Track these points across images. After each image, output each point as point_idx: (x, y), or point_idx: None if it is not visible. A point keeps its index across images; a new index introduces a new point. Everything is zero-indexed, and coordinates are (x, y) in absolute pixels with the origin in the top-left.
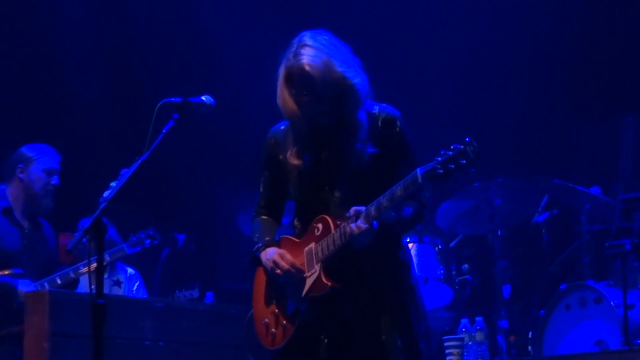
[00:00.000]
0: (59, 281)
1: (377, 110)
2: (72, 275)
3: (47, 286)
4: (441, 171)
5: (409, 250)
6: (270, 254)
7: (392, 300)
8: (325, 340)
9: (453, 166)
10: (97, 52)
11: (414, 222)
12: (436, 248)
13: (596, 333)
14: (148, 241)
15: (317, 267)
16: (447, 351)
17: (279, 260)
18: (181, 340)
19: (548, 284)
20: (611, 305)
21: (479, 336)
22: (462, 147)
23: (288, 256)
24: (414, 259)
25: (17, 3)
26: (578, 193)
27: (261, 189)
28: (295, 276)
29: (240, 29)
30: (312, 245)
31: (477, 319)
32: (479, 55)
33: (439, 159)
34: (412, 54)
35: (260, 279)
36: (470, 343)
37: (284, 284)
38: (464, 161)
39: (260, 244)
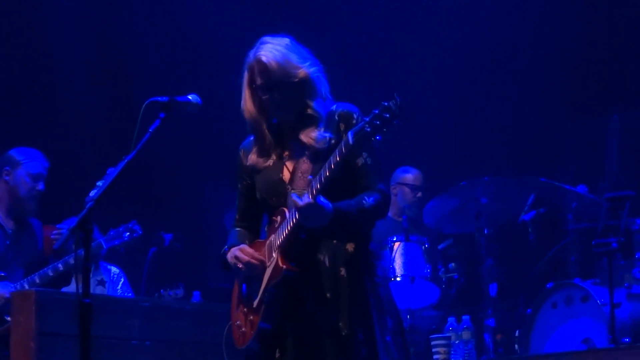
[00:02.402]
0: (37, 280)
1: (334, 107)
2: (51, 274)
3: (26, 286)
4: (369, 129)
5: (375, 246)
6: (233, 251)
7: (351, 293)
8: (291, 336)
9: (379, 122)
10: (85, 51)
11: (375, 212)
12: (423, 247)
13: (583, 331)
14: (127, 234)
15: (275, 255)
16: (434, 350)
17: (239, 254)
18: (168, 340)
19: (535, 282)
20: (598, 304)
21: (466, 335)
22: (386, 103)
23: (248, 249)
24: (401, 258)
25: (7, 2)
26: (564, 191)
27: (237, 202)
28: (257, 268)
29: (229, 28)
30: (272, 237)
31: (464, 317)
32: (464, 54)
33: (366, 118)
34: (399, 54)
35: (235, 288)
36: (457, 342)
37: (248, 280)
38: (388, 115)
39: (226, 248)
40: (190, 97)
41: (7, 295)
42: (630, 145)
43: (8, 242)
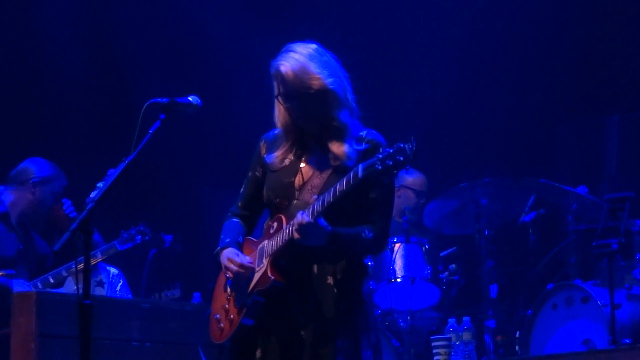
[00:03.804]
0: (51, 280)
1: (364, 134)
2: (65, 273)
3: (40, 285)
4: (380, 167)
5: (365, 265)
6: (224, 255)
7: (337, 303)
8: (274, 338)
9: (391, 163)
10: (83, 52)
11: (371, 249)
12: (423, 248)
13: (583, 332)
14: (139, 237)
15: (265, 262)
16: (434, 351)
17: (227, 264)
18: (168, 341)
19: (535, 283)
20: (598, 305)
21: (466, 336)
22: (401, 145)
23: (237, 258)
24: (401, 259)
25: (4, 3)
26: (565, 193)
27: (242, 189)
28: (245, 276)
29: (228, 30)
30: (265, 242)
31: (464, 318)
32: (464, 56)
33: (380, 155)
34: (399, 55)
35: (220, 277)
36: (457, 343)
37: (235, 280)
38: (402, 158)
39: (218, 248)
40: (190, 98)
41: None
42: (629, 146)
43: (21, 247)
